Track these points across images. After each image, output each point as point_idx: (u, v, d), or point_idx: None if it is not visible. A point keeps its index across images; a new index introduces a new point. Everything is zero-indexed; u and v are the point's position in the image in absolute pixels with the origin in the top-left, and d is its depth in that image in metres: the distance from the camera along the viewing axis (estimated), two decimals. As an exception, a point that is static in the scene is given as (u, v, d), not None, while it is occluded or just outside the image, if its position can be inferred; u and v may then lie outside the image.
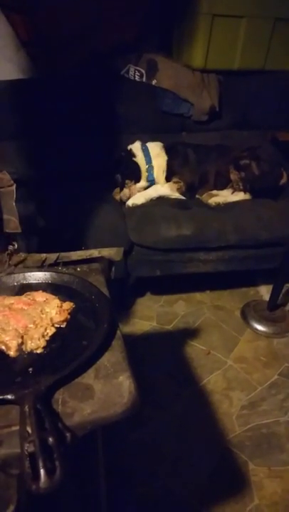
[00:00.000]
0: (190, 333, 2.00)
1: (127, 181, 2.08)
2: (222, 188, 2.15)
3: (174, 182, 2.09)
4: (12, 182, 0.91)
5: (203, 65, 2.22)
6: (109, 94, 2.21)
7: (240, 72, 2.30)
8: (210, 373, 1.77)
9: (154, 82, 2.23)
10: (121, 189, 2.09)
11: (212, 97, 2.28)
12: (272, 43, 2.23)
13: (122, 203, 2.06)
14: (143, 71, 2.21)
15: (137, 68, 2.21)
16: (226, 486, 1.36)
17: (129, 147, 2.11)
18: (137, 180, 2.09)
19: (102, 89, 2.20)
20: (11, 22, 2.07)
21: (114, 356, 0.71)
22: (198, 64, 2.21)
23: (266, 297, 2.12)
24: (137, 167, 2.08)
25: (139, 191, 2.08)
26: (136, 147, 2.11)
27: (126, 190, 2.07)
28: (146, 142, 2.14)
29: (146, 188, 2.11)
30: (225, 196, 2.10)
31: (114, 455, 1.40)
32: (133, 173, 2.08)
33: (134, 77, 2.22)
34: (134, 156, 2.09)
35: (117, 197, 2.10)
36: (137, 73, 2.22)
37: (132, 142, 2.12)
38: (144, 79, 2.22)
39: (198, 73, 2.26)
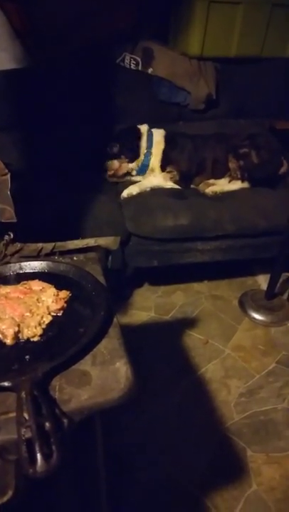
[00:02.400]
0: (188, 323, 2.00)
1: (122, 156, 2.09)
2: (219, 176, 2.14)
3: (168, 172, 2.09)
4: (6, 171, 0.90)
5: (200, 53, 2.19)
6: (104, 83, 2.18)
7: (237, 59, 2.27)
8: (208, 362, 1.78)
9: (150, 70, 2.20)
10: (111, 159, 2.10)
11: (209, 85, 2.26)
12: (270, 30, 2.21)
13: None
14: (139, 59, 2.18)
15: (133, 56, 2.19)
16: (225, 472, 1.38)
17: (138, 126, 2.11)
18: (132, 160, 2.10)
19: (98, 78, 2.18)
20: (5, 11, 2.04)
21: (110, 343, 0.71)
22: (195, 52, 2.19)
23: (264, 286, 2.13)
24: (138, 147, 2.09)
25: (127, 172, 2.12)
26: (143, 129, 2.12)
27: (115, 162, 2.09)
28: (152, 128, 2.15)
29: (135, 172, 2.13)
30: (222, 185, 2.09)
31: (113, 443, 1.42)
32: (131, 152, 2.09)
33: (130, 65, 2.20)
34: (139, 136, 2.09)
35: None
36: (133, 61, 2.19)
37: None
38: (139, 67, 2.20)
39: (194, 61, 2.23)
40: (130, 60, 2.19)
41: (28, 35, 2.13)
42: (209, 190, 2.03)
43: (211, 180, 2.12)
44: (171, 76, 2.21)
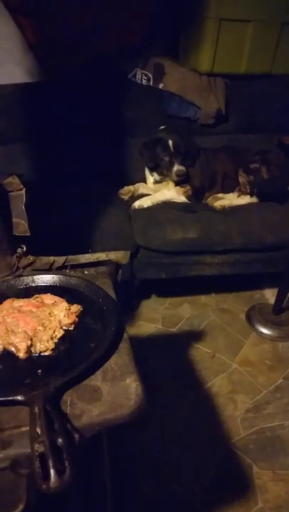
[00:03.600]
0: (195, 336, 2.00)
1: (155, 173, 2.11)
2: (229, 191, 2.15)
3: (182, 186, 2.10)
4: (21, 186, 0.92)
5: (210, 69, 2.23)
6: (116, 97, 2.22)
7: (246, 76, 2.31)
8: (215, 376, 1.78)
9: (160, 85, 2.24)
10: (162, 170, 2.09)
11: (219, 100, 2.29)
12: (279, 48, 2.24)
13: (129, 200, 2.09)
14: (150, 75, 2.22)
15: (144, 72, 2.23)
16: (231, 488, 1.37)
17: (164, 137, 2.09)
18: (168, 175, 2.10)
19: (109, 92, 2.22)
20: (18, 25, 2.09)
21: (121, 359, 0.72)
22: (205, 68, 2.22)
23: (271, 301, 2.12)
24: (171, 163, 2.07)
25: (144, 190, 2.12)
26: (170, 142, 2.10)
27: (131, 189, 2.10)
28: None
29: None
30: (231, 199, 2.11)
31: (119, 457, 1.41)
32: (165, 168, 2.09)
33: (142, 80, 2.24)
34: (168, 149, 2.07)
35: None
36: (144, 77, 2.23)
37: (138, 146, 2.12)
38: (151, 83, 2.24)
39: (204, 77, 2.27)
40: (142, 76, 2.23)
41: (41, 48, 2.18)
42: (218, 204, 2.05)
43: (220, 195, 2.14)
44: (182, 91, 2.24)
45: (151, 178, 2.17)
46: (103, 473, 1.01)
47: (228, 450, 1.48)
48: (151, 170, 2.14)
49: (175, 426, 1.56)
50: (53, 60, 2.23)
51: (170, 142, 2.04)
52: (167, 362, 1.84)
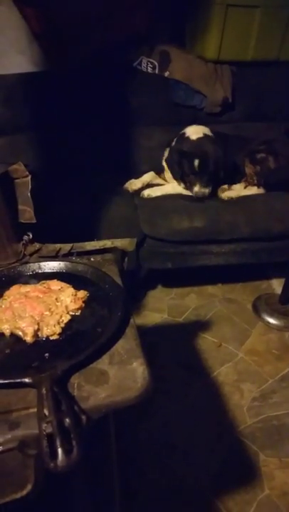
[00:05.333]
0: (201, 326, 2.00)
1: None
2: (235, 182, 2.13)
3: None
4: (27, 173, 0.92)
5: (217, 56, 2.20)
6: (121, 86, 2.21)
7: (253, 63, 2.27)
8: (221, 365, 1.78)
9: (166, 73, 2.22)
10: (185, 183, 2.00)
11: (225, 88, 2.26)
12: (287, 34, 2.20)
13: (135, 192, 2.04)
14: (156, 63, 2.20)
15: (150, 60, 2.21)
16: (237, 476, 1.37)
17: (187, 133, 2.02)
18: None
19: (115, 81, 2.20)
20: (23, 14, 2.08)
21: (127, 343, 0.72)
22: (212, 55, 2.19)
23: (278, 290, 2.11)
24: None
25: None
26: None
27: (138, 184, 2.06)
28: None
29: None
30: (238, 191, 2.08)
31: (126, 445, 1.42)
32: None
33: (147, 68, 2.22)
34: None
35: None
36: (150, 65, 2.21)
37: (147, 135, 2.09)
38: (156, 71, 2.22)
39: (211, 64, 2.24)
40: (147, 64, 2.21)
41: (45, 38, 2.17)
42: (225, 195, 2.02)
43: (227, 186, 2.11)
44: (188, 79, 2.22)
45: (169, 173, 2.12)
46: (110, 460, 1.02)
47: (235, 438, 1.48)
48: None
49: (181, 414, 1.56)
50: (57, 49, 2.22)
51: (196, 162, 1.94)
52: (173, 351, 1.85)
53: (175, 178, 2.06)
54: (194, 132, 2.05)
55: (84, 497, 0.89)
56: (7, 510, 0.61)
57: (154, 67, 2.21)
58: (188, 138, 2.03)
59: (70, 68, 2.20)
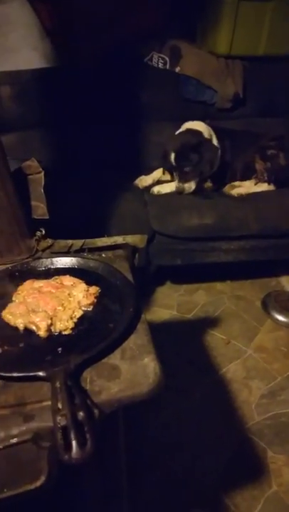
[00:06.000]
0: (210, 323, 2.01)
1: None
2: (245, 178, 2.12)
3: (207, 182, 2.05)
4: (40, 169, 0.93)
5: (228, 51, 2.18)
6: (132, 82, 2.20)
7: (265, 58, 2.25)
8: (229, 362, 1.78)
9: (177, 69, 2.21)
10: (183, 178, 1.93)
11: (236, 83, 2.25)
12: (300, 28, 2.17)
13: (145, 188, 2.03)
14: (167, 58, 2.19)
15: (161, 55, 2.20)
16: (245, 472, 1.38)
17: (199, 130, 1.98)
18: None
19: (126, 77, 2.20)
20: (35, 10, 2.08)
21: (139, 339, 0.73)
22: (223, 50, 2.18)
23: (288, 288, 2.11)
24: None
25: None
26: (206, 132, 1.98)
27: (148, 180, 2.05)
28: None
29: None
30: (248, 187, 2.07)
31: (135, 440, 1.43)
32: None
33: (158, 64, 2.21)
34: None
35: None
36: (161, 60, 2.20)
37: (157, 130, 2.09)
38: (167, 66, 2.21)
39: (222, 59, 2.23)
40: (158, 59, 2.20)
41: (57, 33, 2.17)
42: (235, 192, 2.02)
43: (237, 183, 2.10)
44: (199, 74, 2.21)
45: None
46: (119, 455, 1.03)
47: (243, 435, 1.49)
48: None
49: (190, 410, 1.57)
50: (69, 45, 2.22)
51: (172, 156, 1.90)
52: (182, 347, 1.85)
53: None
54: (183, 127, 2.04)
55: (93, 490, 0.90)
56: (21, 501, 0.62)
57: (164, 63, 2.20)
58: (174, 133, 2.03)
59: (81, 64, 2.20)
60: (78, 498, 0.87)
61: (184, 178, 1.93)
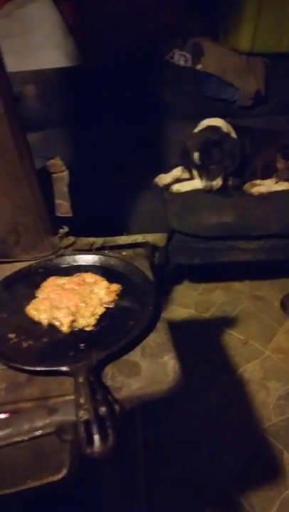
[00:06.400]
0: (228, 322, 2.00)
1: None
2: (266, 177, 2.10)
3: (228, 180, 2.02)
4: (64, 168, 0.94)
5: (250, 48, 2.16)
6: (153, 79, 2.20)
7: (288, 55, 2.22)
8: (247, 362, 1.77)
9: (199, 66, 2.20)
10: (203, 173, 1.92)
11: (258, 81, 2.23)
12: None
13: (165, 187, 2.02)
14: (188, 56, 2.18)
15: (182, 53, 2.19)
16: (261, 473, 1.37)
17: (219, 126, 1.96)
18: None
19: (147, 74, 2.20)
20: (59, 9, 2.10)
21: (159, 337, 0.73)
22: (245, 47, 2.16)
23: (308, 288, 2.08)
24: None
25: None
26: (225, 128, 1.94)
27: (167, 179, 2.05)
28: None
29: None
30: (268, 186, 2.05)
31: (152, 438, 1.44)
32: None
33: (179, 61, 2.20)
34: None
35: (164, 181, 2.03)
36: (182, 58, 2.20)
37: (177, 128, 2.08)
38: (189, 63, 2.20)
39: (244, 56, 2.21)
40: (180, 57, 2.20)
41: (80, 32, 2.18)
42: (255, 190, 2.00)
43: (257, 181, 2.08)
44: (220, 72, 2.19)
45: None
46: (136, 451, 1.04)
47: (259, 435, 1.48)
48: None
49: (207, 410, 1.57)
50: (91, 43, 2.23)
51: (195, 155, 1.88)
52: (200, 346, 1.85)
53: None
54: (201, 125, 2.02)
55: (111, 485, 0.92)
56: (43, 492, 0.64)
57: (186, 60, 2.19)
58: (192, 131, 2.00)
59: (103, 62, 2.21)
60: (96, 492, 0.89)
61: (210, 176, 1.92)
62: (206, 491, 1.32)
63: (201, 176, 1.94)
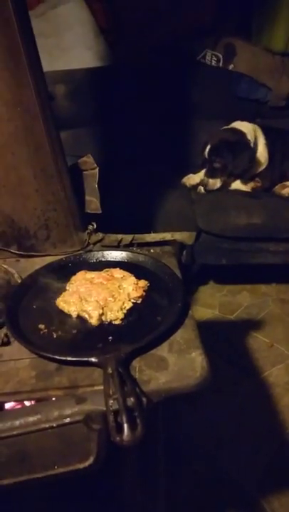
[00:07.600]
0: (253, 325, 1.97)
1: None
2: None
3: (256, 181, 2.02)
4: (95, 165, 0.96)
5: (285, 48, 2.13)
6: (184, 79, 2.20)
7: None
8: (272, 366, 1.74)
9: (231, 66, 2.19)
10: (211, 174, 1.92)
11: (292, 81, 2.18)
12: None
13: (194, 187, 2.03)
14: (220, 56, 2.17)
15: (214, 53, 2.18)
16: (283, 477, 1.35)
17: (243, 130, 1.97)
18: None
19: (178, 75, 2.20)
20: (91, 10, 2.14)
21: (187, 333, 0.74)
22: (280, 47, 2.13)
23: None
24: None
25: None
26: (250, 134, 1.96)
27: (196, 179, 2.05)
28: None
29: None
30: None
31: (174, 438, 1.44)
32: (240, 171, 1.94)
33: (211, 62, 2.20)
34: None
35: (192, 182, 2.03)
36: (214, 58, 2.19)
37: (208, 129, 2.07)
38: (220, 64, 2.19)
39: (278, 57, 2.17)
40: (211, 57, 2.19)
41: (111, 32, 2.21)
42: (285, 192, 1.97)
43: (288, 183, 2.05)
44: (253, 72, 2.17)
45: None
46: (157, 449, 1.05)
47: (283, 439, 1.45)
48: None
49: (230, 412, 1.56)
50: (123, 43, 2.26)
51: (207, 149, 1.90)
52: (224, 348, 1.84)
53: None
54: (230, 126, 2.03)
55: (133, 480, 0.92)
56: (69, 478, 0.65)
57: (218, 60, 2.18)
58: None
59: (134, 62, 2.24)
60: (118, 486, 0.90)
61: (211, 174, 1.92)
62: (226, 489, 1.31)
63: (205, 171, 1.95)
